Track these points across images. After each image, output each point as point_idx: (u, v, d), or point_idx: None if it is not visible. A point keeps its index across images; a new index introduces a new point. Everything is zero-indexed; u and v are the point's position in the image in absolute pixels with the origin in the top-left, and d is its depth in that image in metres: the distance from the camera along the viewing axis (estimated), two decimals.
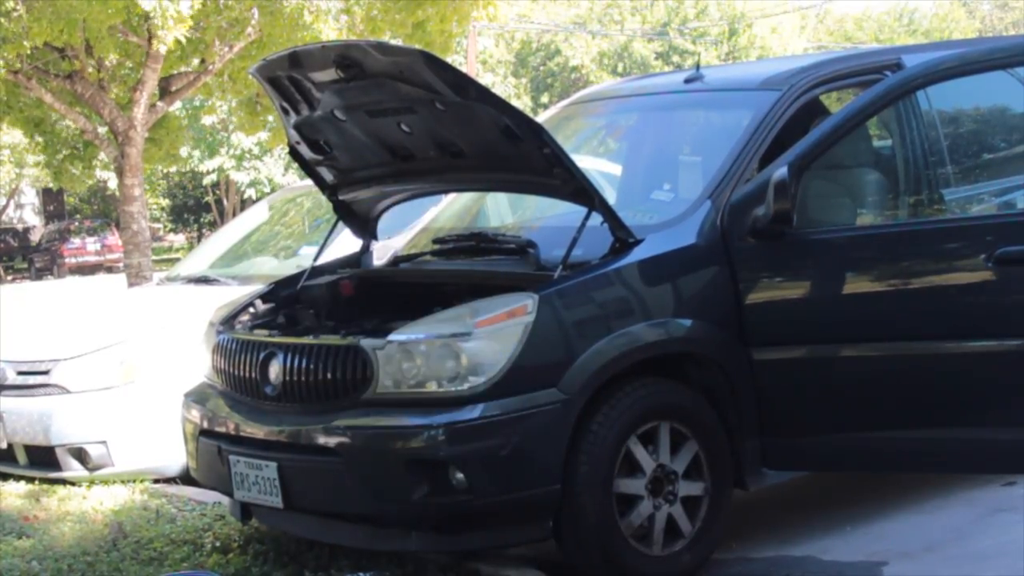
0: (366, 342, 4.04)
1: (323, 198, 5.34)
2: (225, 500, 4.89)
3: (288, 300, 4.89)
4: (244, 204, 30.89)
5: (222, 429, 4.53)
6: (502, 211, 5.70)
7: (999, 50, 4.80)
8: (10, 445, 6.24)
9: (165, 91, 12.95)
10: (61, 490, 5.90)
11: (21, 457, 6.25)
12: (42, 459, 6.15)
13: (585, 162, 4.96)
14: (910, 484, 5.13)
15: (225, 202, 34.33)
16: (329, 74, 4.18)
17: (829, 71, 4.79)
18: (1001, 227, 4.27)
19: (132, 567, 4.55)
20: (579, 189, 4.16)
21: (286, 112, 4.61)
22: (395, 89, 4.10)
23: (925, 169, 4.59)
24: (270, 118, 14.05)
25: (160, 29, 10.30)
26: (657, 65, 36.96)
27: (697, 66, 5.26)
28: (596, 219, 4.18)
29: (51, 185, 26.50)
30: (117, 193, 14.43)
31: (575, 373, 3.96)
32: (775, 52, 36.26)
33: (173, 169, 29.10)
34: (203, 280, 7.10)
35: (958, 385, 4.25)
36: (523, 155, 4.15)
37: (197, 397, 4.79)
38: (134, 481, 5.93)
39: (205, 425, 4.62)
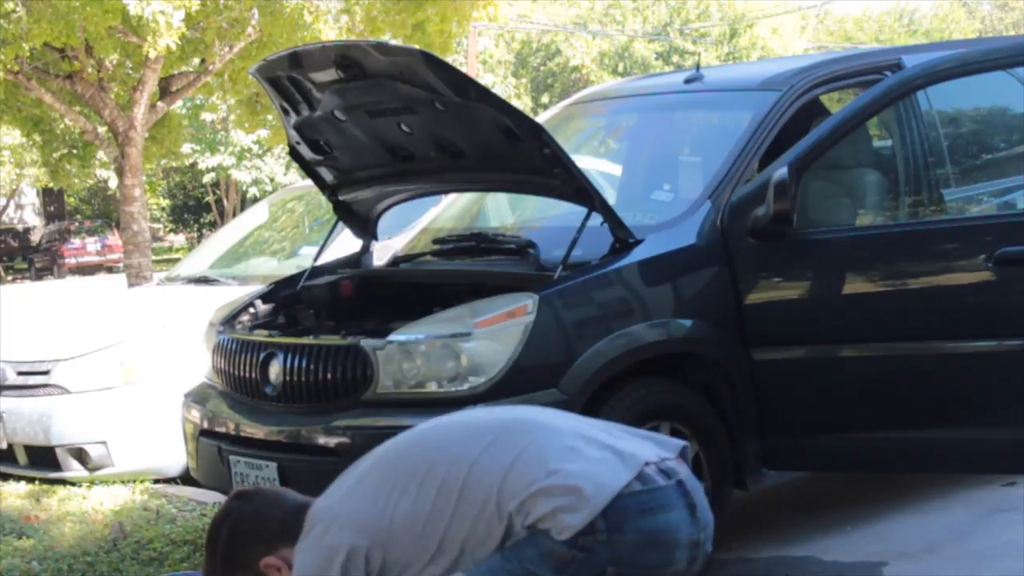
0: (366, 342, 4.04)
1: (323, 198, 5.34)
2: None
3: (288, 300, 4.89)
4: (245, 204, 30.88)
5: (222, 429, 4.54)
6: (502, 211, 5.70)
7: (999, 50, 4.80)
8: (10, 445, 6.24)
9: (165, 91, 12.96)
10: (61, 490, 5.90)
11: (21, 457, 6.25)
12: (42, 459, 6.16)
13: (585, 162, 4.96)
14: (910, 484, 5.13)
15: (225, 202, 34.31)
16: (329, 74, 4.18)
17: (829, 71, 4.79)
18: (1001, 227, 4.26)
19: (132, 567, 4.55)
20: (579, 189, 4.16)
21: (286, 112, 4.61)
22: (395, 89, 4.10)
23: (925, 169, 4.59)
24: (269, 117, 14.05)
25: (149, 35, 10.31)
26: (658, 65, 36.95)
27: (697, 66, 5.26)
28: (596, 219, 4.18)
29: (51, 185, 26.53)
30: (117, 193, 14.44)
31: (575, 373, 3.96)
32: (776, 53, 36.25)
33: (174, 166, 29.08)
34: (203, 280, 7.11)
35: (958, 385, 4.25)
36: (523, 155, 4.15)
37: (197, 397, 4.79)
38: (134, 481, 5.93)
39: (205, 425, 4.62)
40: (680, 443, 2.53)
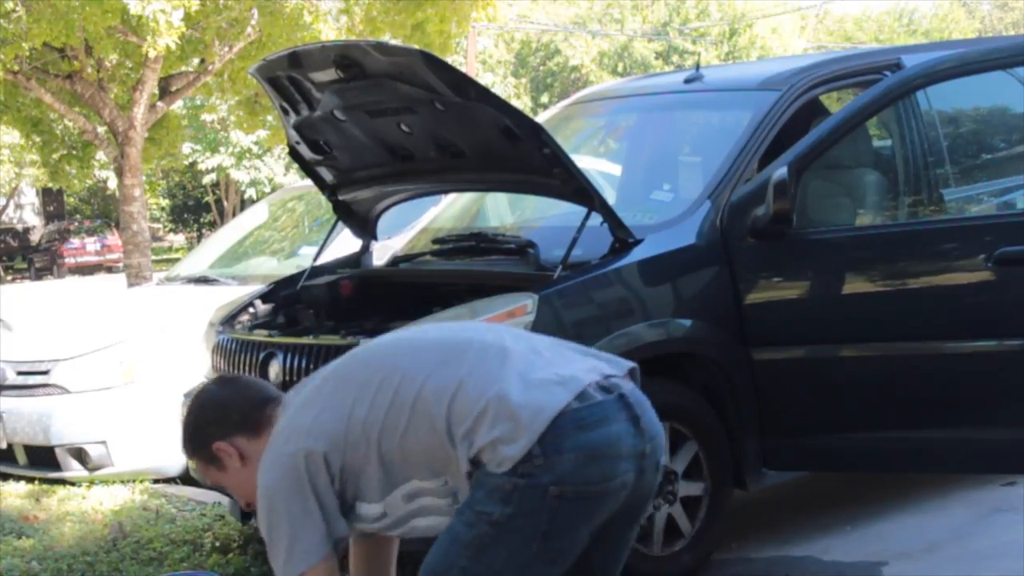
0: (366, 342, 4.03)
1: (323, 198, 5.33)
2: (225, 500, 4.89)
3: (288, 300, 4.89)
4: (244, 204, 30.88)
5: None
6: (502, 211, 5.69)
7: (999, 50, 4.80)
8: (10, 445, 6.24)
9: (165, 91, 12.96)
10: (61, 490, 5.90)
11: (21, 457, 6.25)
12: (42, 459, 6.16)
13: (585, 162, 4.95)
14: (910, 484, 5.13)
15: (225, 202, 34.33)
16: (329, 74, 4.18)
17: (829, 71, 4.79)
18: (1001, 227, 4.26)
19: (132, 567, 4.55)
20: (579, 189, 4.15)
21: (286, 112, 4.60)
22: (395, 89, 4.09)
23: (925, 169, 4.59)
24: (269, 117, 14.05)
25: (148, 35, 10.32)
26: (657, 65, 36.96)
27: (697, 66, 5.26)
28: (596, 219, 4.18)
29: (51, 185, 26.55)
30: (117, 193, 14.44)
31: None
32: (775, 52, 36.25)
33: (173, 167, 29.09)
34: (203, 280, 7.11)
35: (958, 385, 4.25)
36: (523, 155, 4.14)
37: None
38: (134, 481, 5.93)
39: None
40: (630, 363, 2.54)
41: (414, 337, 2.72)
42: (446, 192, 5.37)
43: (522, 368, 2.41)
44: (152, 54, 10.85)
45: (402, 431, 2.40)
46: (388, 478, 2.43)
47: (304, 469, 2.40)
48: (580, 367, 2.45)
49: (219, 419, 2.59)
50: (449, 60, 8.21)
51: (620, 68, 37.24)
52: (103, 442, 6.00)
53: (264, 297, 4.92)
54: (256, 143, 27.60)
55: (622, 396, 2.41)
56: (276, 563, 2.44)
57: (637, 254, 4.21)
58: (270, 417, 2.57)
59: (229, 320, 4.79)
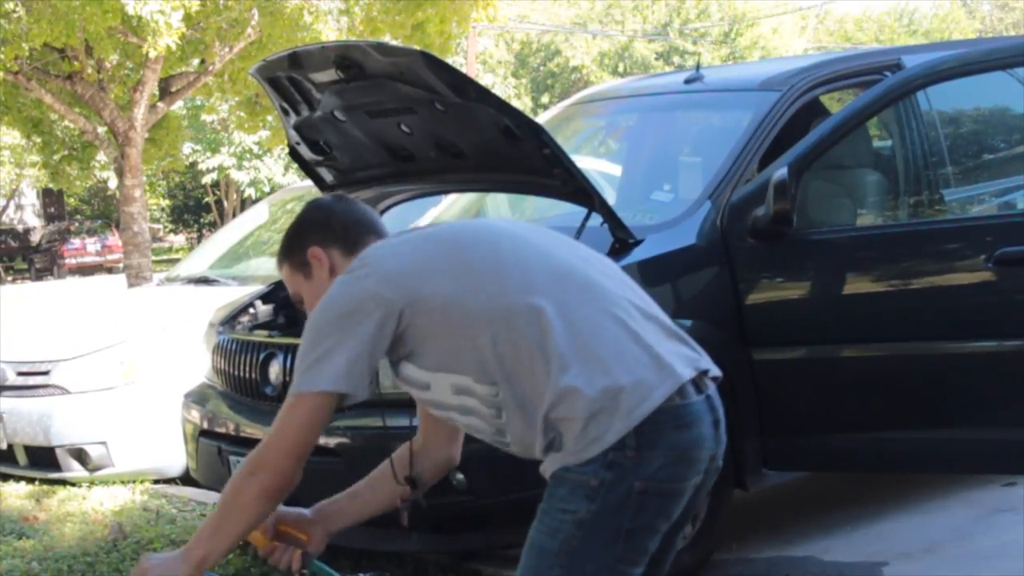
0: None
1: None
2: None
3: (288, 300, 4.88)
4: (244, 204, 30.88)
5: (222, 430, 4.53)
6: (502, 211, 5.69)
7: (999, 51, 4.79)
8: (10, 446, 6.25)
9: (165, 91, 12.97)
10: (61, 491, 5.90)
11: (21, 458, 6.25)
12: (42, 460, 6.16)
13: (585, 162, 4.95)
14: (910, 484, 5.13)
15: (225, 203, 34.33)
16: (329, 75, 4.17)
17: (829, 71, 4.79)
18: (1001, 227, 4.26)
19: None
20: (579, 189, 4.15)
21: (286, 113, 4.60)
22: (395, 90, 4.09)
23: (925, 169, 4.59)
24: (269, 118, 14.06)
25: (149, 35, 10.34)
26: (658, 66, 36.96)
27: (697, 66, 5.26)
28: (596, 219, 4.18)
29: (51, 186, 26.58)
30: (117, 194, 14.45)
31: None
32: (776, 53, 36.26)
33: (173, 168, 29.10)
34: (203, 281, 7.11)
35: (958, 385, 4.25)
36: (523, 155, 4.13)
37: (197, 397, 4.79)
38: (134, 482, 5.94)
39: (205, 425, 4.62)
40: (715, 371, 2.42)
41: (518, 248, 2.44)
42: (447, 192, 5.37)
43: (624, 333, 2.29)
44: (152, 54, 10.86)
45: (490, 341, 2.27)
46: (446, 358, 2.32)
47: (371, 307, 2.28)
48: (676, 352, 2.34)
49: (323, 225, 2.57)
50: (449, 61, 8.21)
51: (621, 69, 37.23)
52: (103, 442, 6.00)
53: (264, 297, 4.92)
54: (257, 143, 27.60)
55: (709, 397, 2.34)
56: (298, 367, 2.32)
57: (637, 254, 4.20)
58: (368, 243, 2.50)
59: (229, 320, 4.79)
